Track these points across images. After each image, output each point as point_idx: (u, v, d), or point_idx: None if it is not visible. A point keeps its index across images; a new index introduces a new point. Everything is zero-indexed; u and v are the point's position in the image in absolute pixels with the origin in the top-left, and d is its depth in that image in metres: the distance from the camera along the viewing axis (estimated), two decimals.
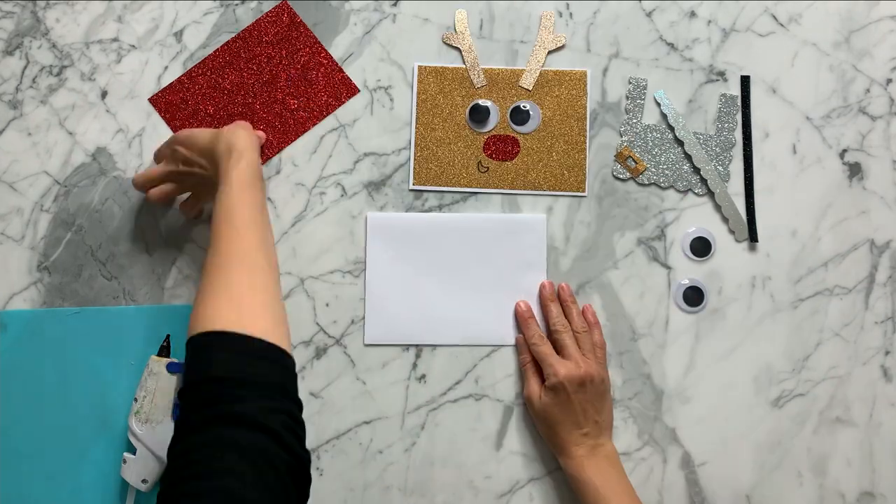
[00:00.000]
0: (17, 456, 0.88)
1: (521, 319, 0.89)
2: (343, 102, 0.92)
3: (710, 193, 0.92)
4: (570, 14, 0.93)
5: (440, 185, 0.92)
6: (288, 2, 0.92)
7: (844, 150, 0.93)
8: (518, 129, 0.92)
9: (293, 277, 0.91)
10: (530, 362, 0.88)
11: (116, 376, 0.89)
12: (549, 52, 0.93)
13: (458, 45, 0.93)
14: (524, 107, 0.92)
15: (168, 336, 0.88)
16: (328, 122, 0.92)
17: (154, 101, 0.91)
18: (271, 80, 0.92)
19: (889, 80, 0.93)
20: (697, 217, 0.92)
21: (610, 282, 0.91)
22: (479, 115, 0.92)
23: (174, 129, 0.91)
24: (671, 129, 0.92)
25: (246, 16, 0.93)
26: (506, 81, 0.93)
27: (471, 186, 0.92)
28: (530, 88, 0.92)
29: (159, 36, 0.93)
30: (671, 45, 0.93)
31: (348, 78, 0.92)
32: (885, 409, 0.91)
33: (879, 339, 0.91)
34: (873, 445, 0.90)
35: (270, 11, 0.92)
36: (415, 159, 0.92)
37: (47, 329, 0.90)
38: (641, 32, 0.93)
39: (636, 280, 0.91)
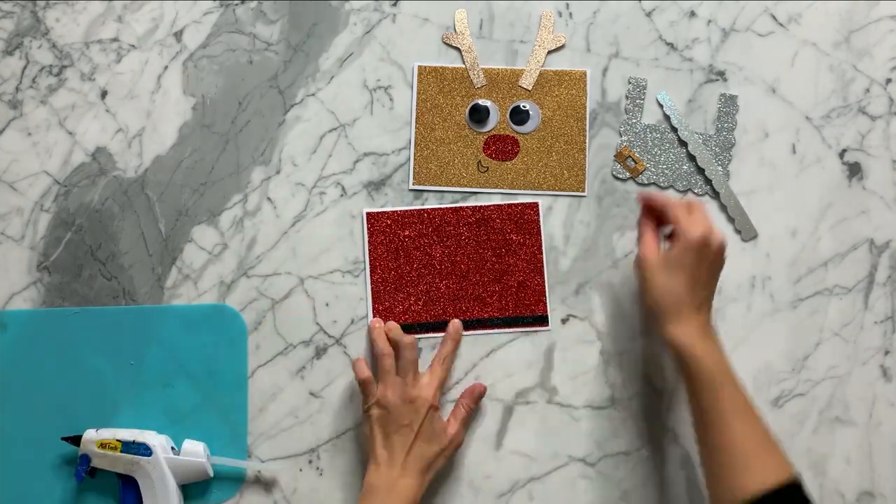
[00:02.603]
0: (17, 455, 0.88)
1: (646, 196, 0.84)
2: (528, 324, 0.91)
3: (711, 193, 0.92)
4: (570, 14, 0.93)
5: (440, 185, 0.92)
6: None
7: (844, 150, 0.93)
8: (518, 128, 0.92)
9: (293, 277, 0.91)
10: (648, 221, 0.83)
11: (116, 376, 0.89)
12: (549, 52, 0.93)
13: (458, 45, 0.93)
14: (524, 107, 0.92)
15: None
16: (328, 121, 0.92)
17: (371, 214, 0.90)
18: (478, 265, 0.91)
19: (889, 80, 0.93)
20: None
21: (610, 282, 0.91)
22: (478, 114, 0.92)
23: (372, 243, 0.91)
24: (674, 130, 0.92)
25: (246, 16, 0.93)
26: (506, 81, 0.93)
27: (471, 186, 0.92)
28: (530, 88, 0.93)
29: (159, 36, 0.93)
30: (671, 45, 0.93)
31: (545, 306, 0.91)
32: (884, 409, 0.91)
33: (879, 339, 0.91)
34: (873, 445, 0.90)
35: (526, 205, 0.91)
36: (415, 159, 0.92)
37: (47, 329, 0.90)
38: (641, 32, 0.93)
39: (636, 280, 0.91)
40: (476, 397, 0.88)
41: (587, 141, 0.92)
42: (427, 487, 0.83)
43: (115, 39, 0.93)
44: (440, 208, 0.92)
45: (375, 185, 0.92)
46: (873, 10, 0.93)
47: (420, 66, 0.92)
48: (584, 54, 0.93)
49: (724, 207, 0.92)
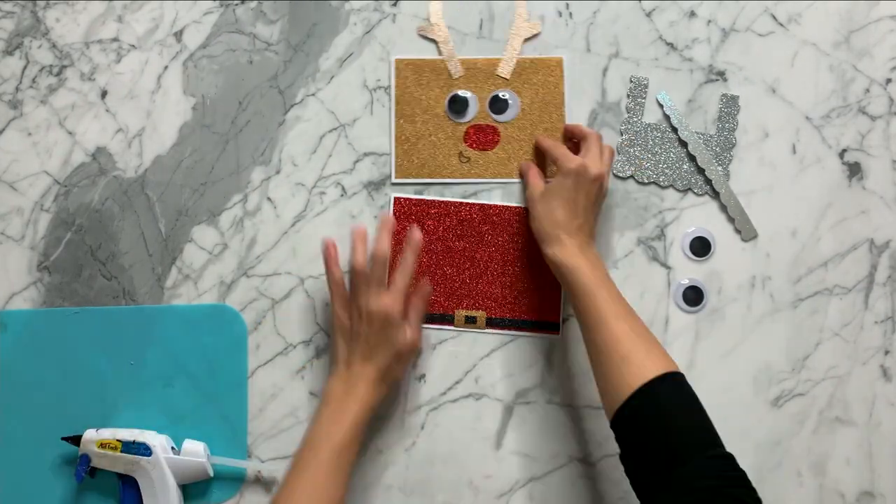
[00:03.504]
0: (17, 455, 0.88)
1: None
2: (539, 329, 0.91)
3: (711, 193, 0.92)
4: (570, 14, 0.93)
5: (422, 178, 0.92)
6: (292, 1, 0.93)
7: (844, 150, 0.93)
8: (497, 118, 0.92)
9: (293, 277, 0.91)
10: (532, 163, 0.91)
11: (116, 376, 0.89)
12: (526, 40, 0.92)
13: (435, 37, 0.93)
14: (503, 95, 0.92)
15: None
16: (328, 121, 0.92)
17: (398, 199, 0.91)
18: (500, 265, 0.91)
19: (888, 80, 0.93)
20: (697, 217, 0.92)
21: None
22: (457, 105, 0.92)
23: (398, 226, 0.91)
24: (674, 130, 0.92)
25: (246, 16, 0.93)
26: (483, 71, 0.92)
27: (453, 177, 0.92)
28: (508, 77, 0.92)
29: (159, 36, 0.93)
30: (671, 45, 0.93)
31: (559, 314, 0.91)
32: (884, 409, 0.91)
33: (879, 339, 0.91)
34: (873, 445, 0.90)
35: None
36: (396, 153, 0.92)
37: (47, 329, 0.90)
38: (641, 32, 0.93)
39: (636, 280, 0.91)
40: (423, 295, 0.88)
41: None
42: (385, 395, 0.85)
43: (115, 39, 0.93)
44: (467, 203, 0.91)
45: (375, 185, 0.92)
46: (873, 10, 0.93)
47: (398, 60, 0.92)
48: (584, 54, 0.93)
49: (724, 207, 0.92)
